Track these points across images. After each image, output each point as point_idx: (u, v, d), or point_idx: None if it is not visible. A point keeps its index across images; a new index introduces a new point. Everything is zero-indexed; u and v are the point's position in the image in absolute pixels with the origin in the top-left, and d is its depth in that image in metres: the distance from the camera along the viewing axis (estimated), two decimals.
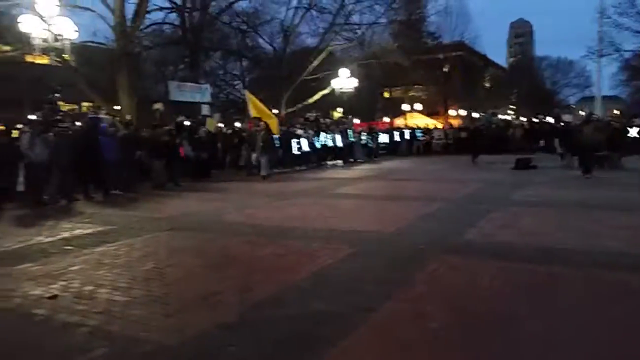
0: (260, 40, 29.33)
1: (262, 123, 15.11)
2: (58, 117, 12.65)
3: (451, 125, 30.58)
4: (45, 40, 12.19)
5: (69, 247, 6.29)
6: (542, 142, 20.11)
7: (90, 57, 17.75)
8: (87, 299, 4.36)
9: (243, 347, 3.32)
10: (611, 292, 4.21)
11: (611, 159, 14.71)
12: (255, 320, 3.78)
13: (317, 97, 26.56)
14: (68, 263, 5.53)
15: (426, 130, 27.16)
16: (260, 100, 16.51)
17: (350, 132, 20.74)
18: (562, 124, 20.23)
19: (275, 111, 28.29)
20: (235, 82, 36.38)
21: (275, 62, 27.60)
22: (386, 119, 38.17)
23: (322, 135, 18.73)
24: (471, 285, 4.48)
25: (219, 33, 28.30)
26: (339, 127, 20.57)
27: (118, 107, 16.92)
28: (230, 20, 26.26)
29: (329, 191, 11.70)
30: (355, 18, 27.47)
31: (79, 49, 15.63)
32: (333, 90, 25.76)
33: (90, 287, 4.65)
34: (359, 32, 29.00)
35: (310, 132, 18.18)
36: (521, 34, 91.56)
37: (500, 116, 38.42)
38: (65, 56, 13.28)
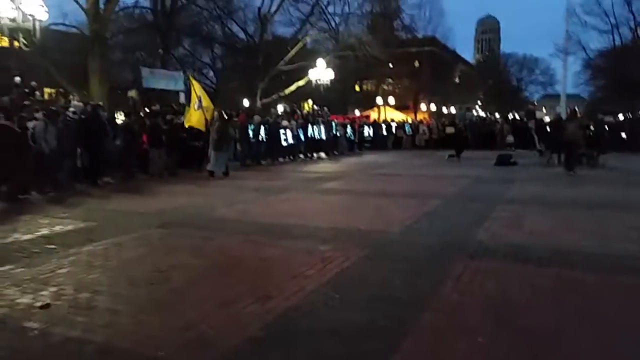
0: (235, 28, 28.51)
1: (216, 113, 13.46)
2: (26, 103, 11.81)
3: (435, 120, 30.73)
4: (13, 21, 11.28)
5: (52, 246, 5.72)
6: (509, 139, 20.35)
7: (59, 41, 16.71)
8: (85, 308, 3.87)
9: None
10: None
11: (590, 156, 14.90)
12: (287, 334, 3.40)
13: (293, 88, 26.12)
14: (55, 265, 4.99)
15: (413, 125, 27.10)
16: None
17: (334, 124, 20.48)
18: (533, 121, 20.43)
19: (245, 102, 27.84)
20: (205, 70, 35.41)
21: (251, 50, 26.89)
22: (357, 112, 37.98)
23: (309, 127, 18.35)
24: (505, 293, 4.22)
25: (190, 19, 27.37)
26: (318, 119, 20.20)
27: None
28: (204, 6, 25.34)
29: (319, 186, 11.35)
30: (331, 9, 27.13)
31: (46, 32, 14.67)
32: (309, 81, 25.41)
33: (86, 294, 4.16)
34: (334, 23, 28.74)
35: (294, 123, 17.76)
36: (488, 31, 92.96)
37: (474, 112, 38.82)
38: (34, 38, 12.35)
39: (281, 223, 7.08)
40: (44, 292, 4.20)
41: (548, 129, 17.01)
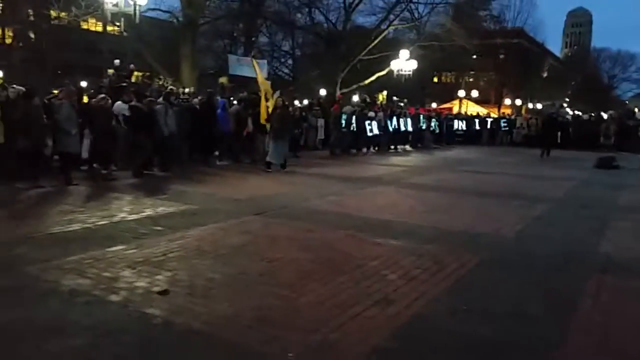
0: (317, 17, 28.33)
1: (279, 100, 12.15)
2: (123, 84, 12.25)
3: (532, 115, 29.21)
4: (115, 5, 11.70)
5: (159, 228, 5.78)
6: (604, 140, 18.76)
7: (152, 26, 17.31)
8: (203, 297, 3.79)
9: None
10: None
11: None
12: (419, 347, 3.13)
13: (373, 78, 25.64)
14: (165, 248, 4.99)
15: (509, 121, 25.85)
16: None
17: (421, 117, 19.98)
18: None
19: (322, 91, 27.69)
20: (283, 59, 35.60)
21: (333, 39, 26.64)
22: (434, 105, 36.83)
23: (394, 119, 17.97)
24: None
25: (275, 6, 27.54)
26: (404, 110, 19.74)
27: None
28: None
29: (409, 179, 10.97)
30: None
31: (142, 18, 15.18)
32: (390, 71, 24.83)
33: (202, 282, 4.09)
34: (418, 13, 27.86)
35: (381, 114, 17.41)
36: (579, 24, 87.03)
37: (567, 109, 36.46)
38: (134, 23, 12.78)
39: (379, 218, 6.79)
40: (159, 277, 4.17)
41: None
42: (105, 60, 17.88)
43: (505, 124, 24.77)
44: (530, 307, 3.79)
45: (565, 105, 46.45)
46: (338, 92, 24.47)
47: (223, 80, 15.41)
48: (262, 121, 12.20)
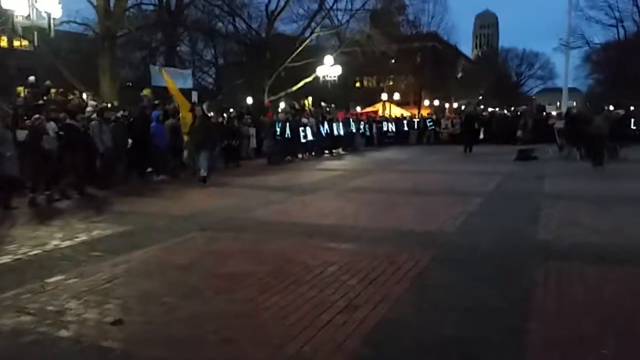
0: (240, 25, 28.05)
1: (199, 109, 11.71)
2: (40, 102, 11.44)
3: (457, 114, 30.58)
4: (27, 18, 10.88)
5: (98, 254, 5.40)
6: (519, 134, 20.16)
7: (67, 40, 16.32)
8: (160, 323, 3.56)
9: None
10: None
11: (613, 150, 14.64)
12: (392, 349, 3.12)
13: (300, 85, 25.79)
14: (109, 274, 4.66)
15: (434, 121, 26.94)
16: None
17: (351, 121, 20.34)
18: (555, 115, 20.25)
19: (249, 100, 27.46)
20: (206, 69, 34.89)
21: (257, 47, 26.49)
22: (358, 109, 37.68)
23: (326, 124, 18.16)
24: (603, 297, 3.95)
25: (196, 15, 26.93)
26: (333, 116, 20.05)
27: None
28: (212, 1, 24.90)
29: (347, 184, 11.06)
30: (336, 6, 26.82)
31: (56, 31, 14.25)
32: (316, 78, 25.10)
33: (156, 307, 3.85)
34: (337, 20, 28.39)
35: (313, 120, 17.50)
36: (487, 25, 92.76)
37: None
38: (48, 37, 11.96)
39: (326, 224, 6.79)
40: (109, 306, 3.88)
41: (564, 124, 16.75)
42: (14, 77, 16.59)
43: (432, 124, 25.83)
44: (489, 300, 3.90)
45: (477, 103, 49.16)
46: (266, 100, 24.37)
47: (146, 92, 14.77)
48: (184, 133, 11.80)
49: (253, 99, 27.15)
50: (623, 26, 40.03)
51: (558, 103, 45.61)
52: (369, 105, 39.08)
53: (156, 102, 13.29)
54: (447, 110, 40.82)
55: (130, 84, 24.17)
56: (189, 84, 20.16)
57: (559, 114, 21.02)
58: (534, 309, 3.73)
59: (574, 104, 65.67)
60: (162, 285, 4.36)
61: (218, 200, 9.02)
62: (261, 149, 16.25)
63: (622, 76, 43.23)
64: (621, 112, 19.54)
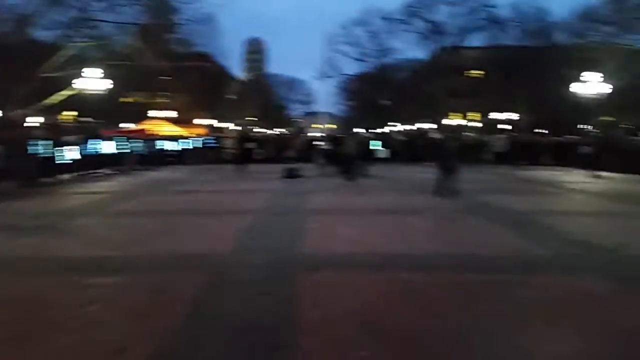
0: None
1: None
2: None
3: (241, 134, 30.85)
4: None
5: None
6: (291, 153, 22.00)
7: None
8: None
9: None
10: (476, 293, 4.76)
11: (361, 167, 16.82)
12: None
13: (58, 97, 23.03)
14: None
15: (218, 139, 26.88)
16: None
17: (125, 139, 18.87)
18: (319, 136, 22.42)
19: None
20: None
21: (4, 53, 22.69)
22: (131, 125, 35.66)
23: (95, 142, 16.42)
24: (360, 301, 4.44)
25: None
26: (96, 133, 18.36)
27: None
28: None
29: (112, 207, 10.25)
30: (102, 16, 24.86)
31: None
32: (77, 91, 22.78)
33: None
34: (102, 31, 26.39)
35: (77, 137, 15.64)
36: (256, 51, 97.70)
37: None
38: None
39: (89, 256, 6.12)
40: None
41: (325, 144, 18.74)
42: None
43: (213, 143, 26.03)
44: (262, 319, 4.01)
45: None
46: (15, 113, 21.06)
47: None
48: None
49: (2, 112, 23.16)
50: (368, 61, 46.64)
51: (320, 125, 50.81)
52: (141, 122, 37.24)
53: None
54: (224, 130, 41.51)
55: None
56: None
57: (321, 136, 23.41)
58: (302, 322, 3.97)
59: (333, 126, 74.37)
60: None
61: None
62: (11, 170, 13.82)
63: (370, 103, 50.48)
64: (368, 134, 22.80)
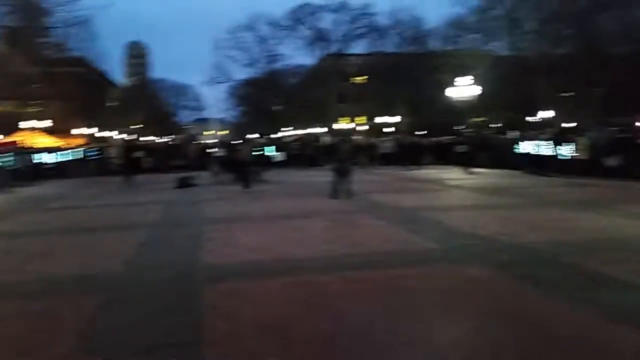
0: None
1: None
2: None
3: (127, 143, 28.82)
4: None
5: None
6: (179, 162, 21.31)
7: None
8: None
9: None
10: (376, 289, 4.96)
11: (256, 173, 16.77)
12: None
13: None
14: None
15: (101, 149, 25.11)
16: None
17: None
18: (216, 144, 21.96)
19: None
20: None
21: None
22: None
23: None
24: (265, 309, 4.42)
25: None
26: None
27: None
28: None
29: None
30: None
31: None
32: None
33: None
34: None
35: None
36: (138, 55, 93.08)
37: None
38: None
39: None
40: None
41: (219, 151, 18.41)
42: None
43: (97, 154, 24.31)
44: (166, 336, 3.83)
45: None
46: None
47: None
48: None
49: None
50: (256, 66, 46.70)
51: (211, 132, 49.77)
52: (10, 134, 33.69)
53: None
54: (109, 140, 38.97)
55: None
56: None
57: (214, 143, 22.90)
58: (210, 335, 3.85)
59: (226, 132, 73.04)
60: None
61: None
62: None
63: (262, 109, 50.46)
64: (262, 139, 22.79)
